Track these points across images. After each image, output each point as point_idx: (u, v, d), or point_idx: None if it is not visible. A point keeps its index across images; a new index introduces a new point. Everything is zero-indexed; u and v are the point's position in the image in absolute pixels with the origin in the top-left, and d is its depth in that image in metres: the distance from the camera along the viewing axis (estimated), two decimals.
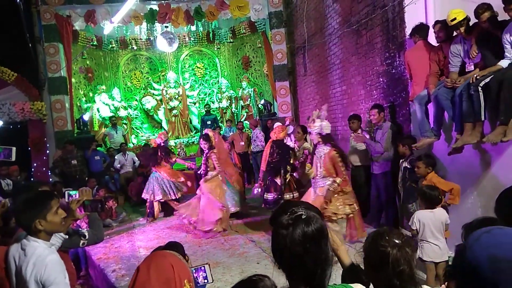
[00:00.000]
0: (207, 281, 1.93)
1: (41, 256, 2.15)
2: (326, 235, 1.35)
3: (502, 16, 3.79)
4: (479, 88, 3.64)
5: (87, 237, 2.72)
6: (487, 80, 3.62)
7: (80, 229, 2.83)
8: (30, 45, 9.45)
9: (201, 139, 6.87)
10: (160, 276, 1.45)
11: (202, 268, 1.93)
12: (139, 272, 1.47)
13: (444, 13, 4.33)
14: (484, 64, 3.95)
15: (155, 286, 1.42)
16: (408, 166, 4.79)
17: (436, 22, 4.54)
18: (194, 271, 1.84)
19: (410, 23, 5.10)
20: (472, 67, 4.12)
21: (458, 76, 4.17)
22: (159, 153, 7.80)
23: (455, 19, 4.01)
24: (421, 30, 4.85)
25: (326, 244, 1.33)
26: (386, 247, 1.48)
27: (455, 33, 4.35)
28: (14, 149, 4.99)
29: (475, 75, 3.73)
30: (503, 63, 3.65)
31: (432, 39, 4.77)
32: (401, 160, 5.03)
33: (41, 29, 9.51)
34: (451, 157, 4.26)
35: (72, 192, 2.88)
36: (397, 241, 1.50)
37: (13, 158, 5.02)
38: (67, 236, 2.49)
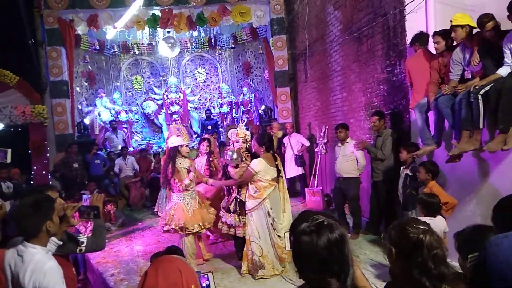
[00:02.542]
0: None
1: (40, 263, 2.13)
2: (347, 240, 1.43)
3: (504, 26, 3.82)
4: (479, 96, 3.66)
5: (85, 243, 2.67)
6: (487, 88, 3.64)
7: (80, 234, 2.81)
8: (32, 48, 9.50)
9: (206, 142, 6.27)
10: (168, 280, 1.45)
11: (205, 276, 1.94)
12: (147, 276, 1.48)
13: (445, 22, 4.36)
14: (484, 73, 3.96)
15: None
16: (410, 173, 4.80)
17: (434, 34, 4.56)
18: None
19: (411, 31, 5.14)
20: (470, 75, 4.15)
21: (458, 84, 4.19)
22: None
23: (453, 21, 4.06)
24: (421, 38, 4.88)
25: (349, 249, 1.41)
26: (417, 233, 1.54)
27: (455, 43, 4.38)
28: (9, 151, 4.96)
29: (474, 84, 3.75)
30: (502, 72, 3.67)
31: (432, 47, 4.80)
32: (402, 167, 5.03)
33: (44, 33, 9.55)
34: (451, 165, 4.27)
35: (85, 196, 2.88)
36: (424, 227, 1.57)
37: (9, 160, 5.00)
38: (61, 243, 2.45)
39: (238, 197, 5.02)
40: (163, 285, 1.43)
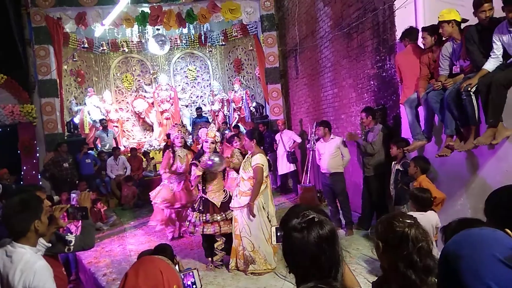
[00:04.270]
0: (196, 287, 1.92)
1: (29, 263, 2.11)
2: (338, 237, 1.43)
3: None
4: (471, 93, 3.65)
5: (72, 242, 2.65)
6: (477, 83, 3.65)
7: (68, 234, 2.78)
8: (20, 47, 9.37)
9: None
10: (149, 281, 1.43)
11: (191, 273, 1.92)
12: (127, 277, 1.45)
13: (434, 16, 4.38)
14: (473, 65, 3.96)
15: None
16: (401, 169, 4.82)
17: (422, 29, 4.58)
18: (182, 276, 1.83)
19: (401, 26, 5.15)
20: (458, 69, 4.16)
21: (448, 78, 4.21)
22: None
23: (439, 17, 4.07)
24: (411, 33, 4.89)
25: (339, 245, 1.41)
26: (403, 227, 1.56)
27: (443, 38, 4.40)
28: None
29: (464, 84, 3.72)
30: (489, 66, 3.67)
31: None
32: (393, 163, 5.05)
33: (31, 31, 9.43)
34: (441, 160, 4.29)
35: (73, 195, 2.87)
36: (410, 221, 1.59)
37: None
38: (50, 245, 2.43)
39: (203, 196, 5.00)
40: (143, 287, 1.41)
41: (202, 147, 5.12)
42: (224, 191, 5.09)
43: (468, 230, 1.01)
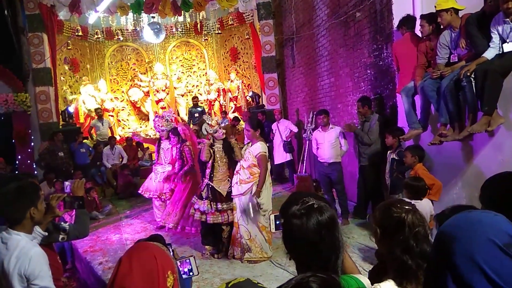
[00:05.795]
0: (193, 274, 1.90)
1: (25, 249, 2.10)
2: (338, 223, 1.42)
3: None
4: (472, 79, 3.64)
5: (67, 231, 2.63)
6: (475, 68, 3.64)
7: (62, 223, 2.76)
8: (13, 35, 9.24)
9: (170, 133, 6.37)
10: (142, 267, 1.42)
11: (187, 260, 1.90)
12: (120, 263, 1.44)
13: (431, 4, 4.34)
14: (474, 50, 3.93)
15: (137, 278, 1.39)
16: (396, 158, 4.82)
17: (421, 17, 4.55)
18: (179, 263, 1.82)
19: (398, 15, 5.10)
20: (456, 58, 4.15)
21: (445, 67, 4.19)
22: None
23: (437, 6, 4.05)
24: (408, 22, 4.85)
25: (339, 232, 1.40)
26: (400, 213, 1.56)
27: (441, 26, 4.37)
28: None
29: (465, 71, 3.71)
30: (488, 55, 3.67)
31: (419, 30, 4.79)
32: (388, 152, 5.05)
33: (25, 18, 9.31)
34: (436, 148, 4.29)
35: (67, 183, 2.84)
36: (408, 207, 1.59)
37: None
38: (46, 234, 2.43)
39: (210, 183, 5.00)
40: (137, 273, 1.39)
41: (213, 139, 5.17)
42: (228, 180, 5.08)
43: (469, 211, 0.98)
